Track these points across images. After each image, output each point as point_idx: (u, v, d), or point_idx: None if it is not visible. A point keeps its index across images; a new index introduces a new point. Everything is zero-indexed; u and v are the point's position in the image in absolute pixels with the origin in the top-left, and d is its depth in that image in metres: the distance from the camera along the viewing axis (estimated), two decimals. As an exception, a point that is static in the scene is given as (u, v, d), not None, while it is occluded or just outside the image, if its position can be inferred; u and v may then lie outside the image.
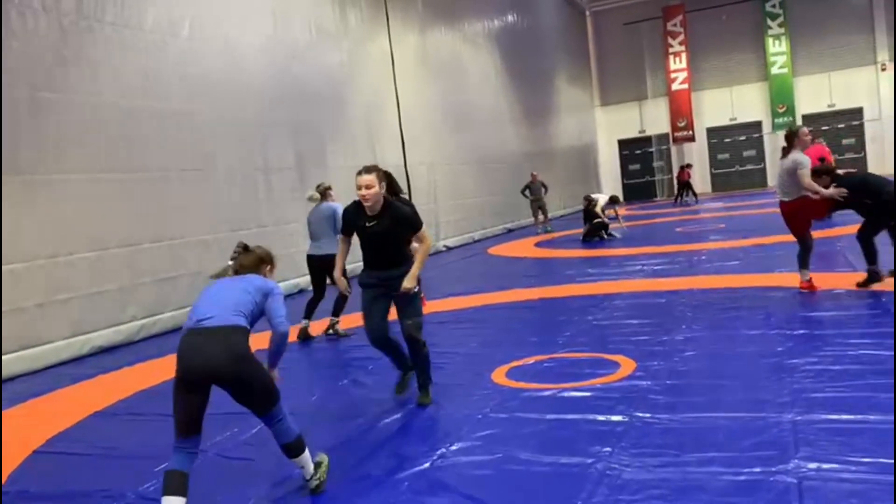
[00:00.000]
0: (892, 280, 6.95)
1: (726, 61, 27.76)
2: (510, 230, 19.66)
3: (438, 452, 4.05)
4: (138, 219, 8.89)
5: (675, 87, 28.25)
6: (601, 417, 4.33)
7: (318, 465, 3.72)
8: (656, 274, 9.67)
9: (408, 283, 4.66)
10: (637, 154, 29.59)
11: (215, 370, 3.27)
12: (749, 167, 27.87)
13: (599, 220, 14.77)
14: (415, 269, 4.68)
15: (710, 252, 11.27)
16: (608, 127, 29.79)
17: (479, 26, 19.51)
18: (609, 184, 29.65)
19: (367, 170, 4.64)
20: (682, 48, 28.08)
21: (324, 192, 7.70)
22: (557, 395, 4.87)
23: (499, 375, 5.46)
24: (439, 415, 4.74)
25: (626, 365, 5.38)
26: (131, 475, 4.18)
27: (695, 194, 24.73)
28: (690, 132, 28.09)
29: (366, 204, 4.59)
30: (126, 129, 8.83)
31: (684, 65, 28.06)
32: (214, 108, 10.24)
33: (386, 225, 4.64)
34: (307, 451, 3.68)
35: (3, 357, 7.22)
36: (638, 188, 29.37)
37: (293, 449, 3.62)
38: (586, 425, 4.24)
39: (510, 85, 20.98)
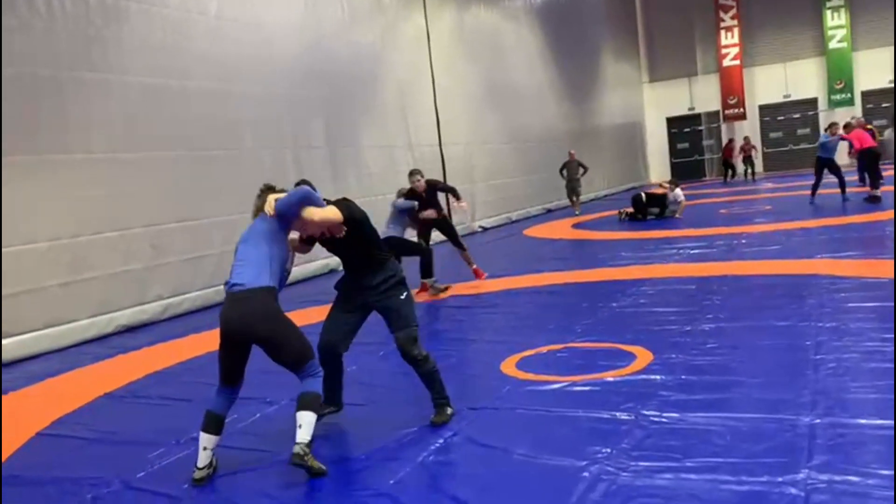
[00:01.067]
0: None
1: (781, 36, 26.65)
2: (549, 210, 19.30)
3: (432, 447, 3.88)
4: (164, 198, 8.88)
5: (726, 63, 27.29)
6: (606, 415, 4.10)
7: (312, 455, 3.58)
8: (692, 258, 9.31)
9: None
10: (686, 132, 28.75)
11: (250, 330, 3.66)
12: (803, 146, 26.78)
13: (653, 193, 14.59)
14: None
15: (751, 235, 10.82)
16: (656, 104, 28.97)
17: (520, 1, 19.04)
18: (657, 163, 28.95)
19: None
20: (735, 22, 27.08)
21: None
22: (565, 389, 4.65)
23: (509, 366, 5.26)
24: (441, 407, 4.56)
25: (643, 357, 5.13)
26: (124, 462, 4.13)
27: (734, 174, 23.94)
28: (742, 110, 27.15)
29: None
30: (151, 108, 8.80)
31: (736, 40, 27.06)
32: (242, 86, 10.15)
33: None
34: (315, 418, 3.62)
35: (27, 336, 7.31)
36: (686, 167, 28.48)
37: (307, 402, 3.65)
38: (589, 423, 4.02)
39: (553, 61, 20.48)
